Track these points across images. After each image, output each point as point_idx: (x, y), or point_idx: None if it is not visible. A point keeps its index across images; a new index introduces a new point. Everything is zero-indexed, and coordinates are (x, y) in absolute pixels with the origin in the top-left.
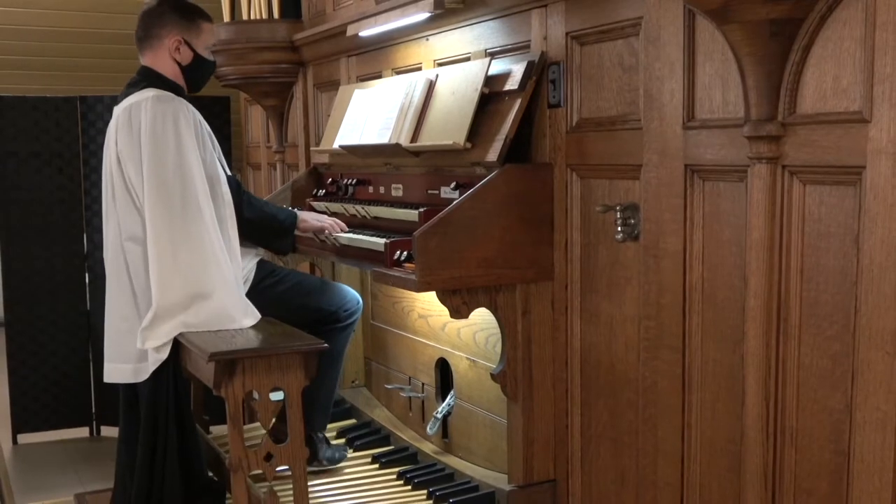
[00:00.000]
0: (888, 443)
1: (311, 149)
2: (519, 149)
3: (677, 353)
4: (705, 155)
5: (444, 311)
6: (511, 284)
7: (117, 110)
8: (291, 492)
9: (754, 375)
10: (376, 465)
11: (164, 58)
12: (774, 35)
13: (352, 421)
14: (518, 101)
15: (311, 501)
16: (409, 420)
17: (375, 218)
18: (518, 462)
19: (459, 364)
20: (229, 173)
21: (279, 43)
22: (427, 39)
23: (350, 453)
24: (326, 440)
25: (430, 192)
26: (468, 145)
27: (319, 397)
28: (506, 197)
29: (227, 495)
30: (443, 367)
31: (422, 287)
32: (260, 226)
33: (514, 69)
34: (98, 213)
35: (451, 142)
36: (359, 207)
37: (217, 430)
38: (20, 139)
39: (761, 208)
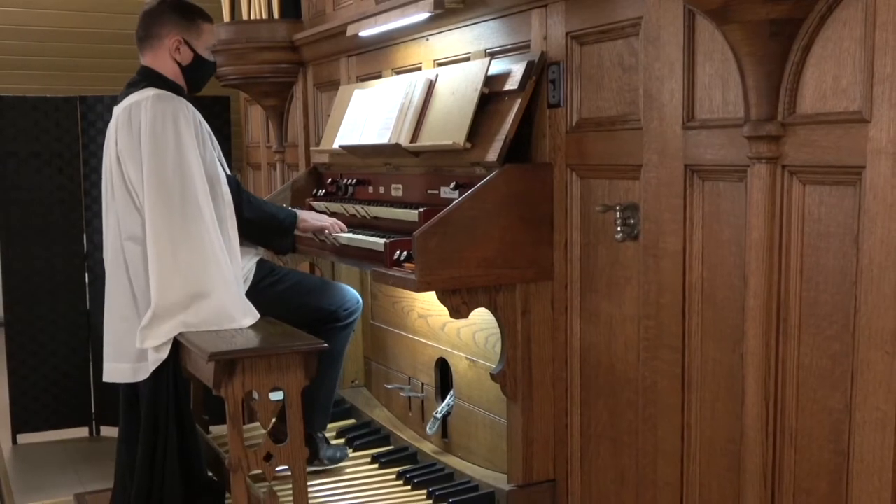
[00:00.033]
0: (888, 442)
1: (311, 149)
2: (519, 149)
3: (677, 353)
4: (705, 155)
5: (444, 310)
6: (511, 284)
7: (117, 110)
8: (291, 492)
9: (754, 375)
10: (376, 465)
11: (165, 58)
12: (774, 35)
13: (351, 421)
14: (518, 101)
15: (310, 501)
16: (408, 420)
17: (375, 218)
18: (518, 462)
19: (459, 364)
20: (229, 173)
21: (279, 43)
22: (427, 39)
23: (350, 453)
24: (326, 440)
25: (429, 192)
26: (468, 145)
27: (320, 397)
28: (506, 197)
29: (227, 495)
30: (442, 367)
31: (421, 287)
32: (260, 225)
33: (514, 69)
34: (98, 213)
35: (450, 142)
36: (359, 207)
37: (217, 430)
38: (20, 139)
39: (761, 208)
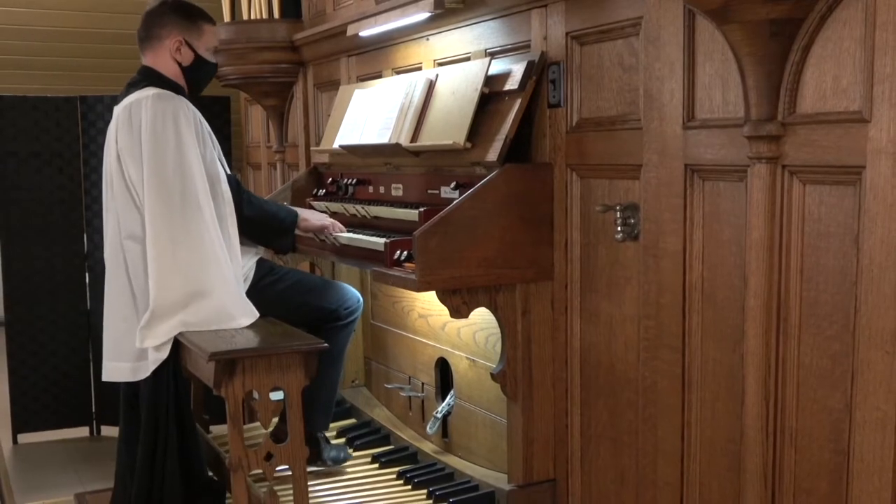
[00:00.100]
0: (888, 442)
1: (311, 148)
2: (519, 149)
3: (677, 353)
4: (705, 155)
5: (444, 310)
6: (511, 284)
7: (117, 109)
8: (291, 492)
9: (754, 375)
10: (376, 465)
11: (165, 58)
12: (774, 35)
13: (352, 420)
14: (518, 101)
15: (310, 501)
16: (408, 420)
17: (375, 217)
18: (518, 462)
19: (459, 364)
20: (229, 172)
21: (279, 43)
22: (427, 39)
23: (350, 453)
24: (327, 440)
25: (430, 191)
26: (468, 145)
27: (321, 397)
28: (506, 197)
29: (227, 495)
30: (443, 367)
31: (422, 287)
32: (260, 224)
33: (514, 69)
34: (98, 214)
35: (451, 142)
36: (359, 207)
37: (217, 429)
38: (20, 139)
39: (761, 208)
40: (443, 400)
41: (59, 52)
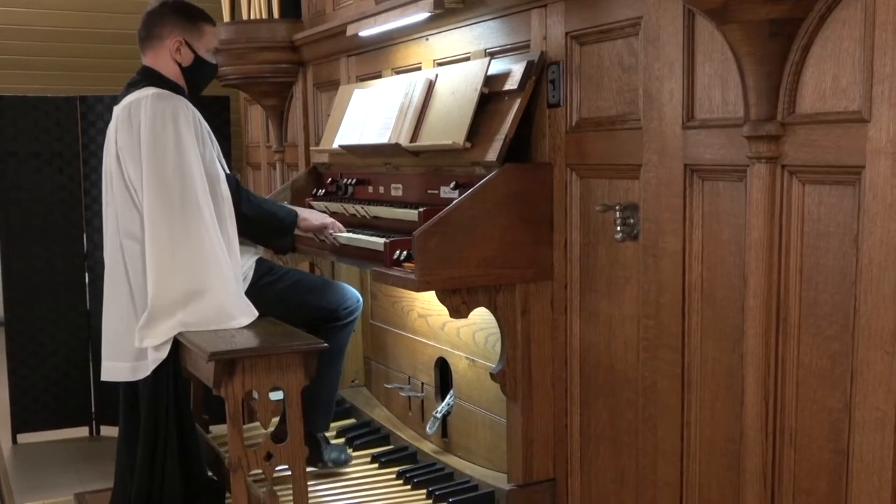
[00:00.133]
0: (887, 442)
1: (311, 148)
2: (518, 148)
3: (676, 353)
4: (705, 155)
5: (444, 310)
6: (510, 284)
7: (117, 109)
8: (291, 492)
9: (753, 375)
10: (376, 465)
11: (165, 58)
12: (774, 35)
13: (351, 420)
14: (518, 101)
15: (310, 501)
16: (408, 419)
17: (375, 217)
18: (517, 461)
19: (459, 363)
20: (228, 172)
21: (279, 43)
22: (427, 39)
23: (350, 453)
24: (327, 440)
25: (429, 191)
26: (468, 145)
27: (321, 396)
28: (505, 197)
29: (227, 495)
30: (442, 367)
31: (421, 287)
32: (259, 223)
33: (514, 69)
34: (98, 213)
35: (450, 141)
36: (358, 207)
37: (217, 429)
38: (20, 139)
39: (761, 208)
40: (442, 400)
41: (59, 52)
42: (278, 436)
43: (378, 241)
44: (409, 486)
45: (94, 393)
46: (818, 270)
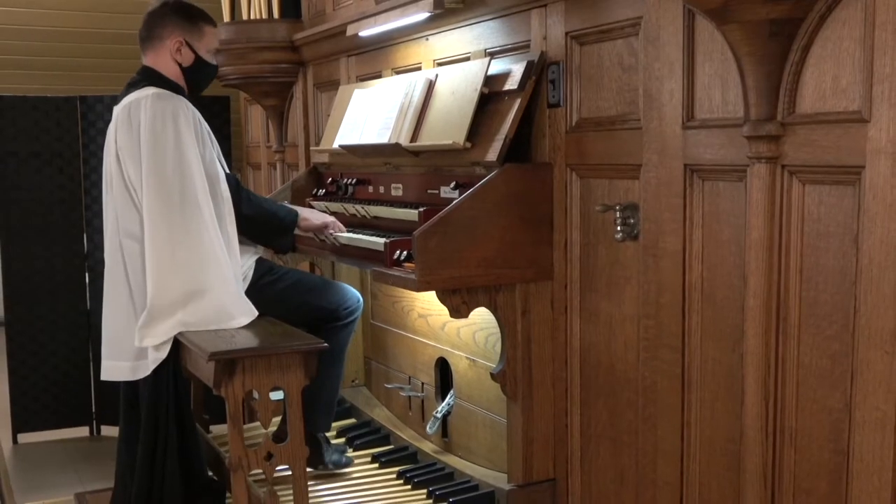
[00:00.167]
0: (887, 442)
1: (311, 148)
2: (518, 148)
3: (677, 353)
4: (705, 155)
5: (444, 310)
6: (511, 284)
7: (117, 109)
8: (291, 491)
9: (753, 375)
10: (376, 465)
11: (166, 58)
12: (774, 35)
13: (351, 420)
14: (518, 101)
15: (310, 501)
16: (408, 419)
17: (375, 217)
18: (518, 461)
19: (459, 363)
20: (228, 171)
21: (279, 43)
22: (427, 39)
23: (350, 453)
24: (328, 441)
25: (429, 191)
26: (468, 145)
27: (322, 397)
28: (505, 197)
29: (227, 495)
30: (442, 367)
31: (421, 287)
32: (259, 223)
33: (514, 69)
34: (98, 214)
35: (450, 141)
36: (358, 207)
37: (217, 429)
38: (20, 139)
39: (761, 208)
40: (442, 400)
41: (59, 52)
42: (279, 436)
43: (378, 241)
44: (409, 486)
45: (94, 393)
46: (818, 270)
